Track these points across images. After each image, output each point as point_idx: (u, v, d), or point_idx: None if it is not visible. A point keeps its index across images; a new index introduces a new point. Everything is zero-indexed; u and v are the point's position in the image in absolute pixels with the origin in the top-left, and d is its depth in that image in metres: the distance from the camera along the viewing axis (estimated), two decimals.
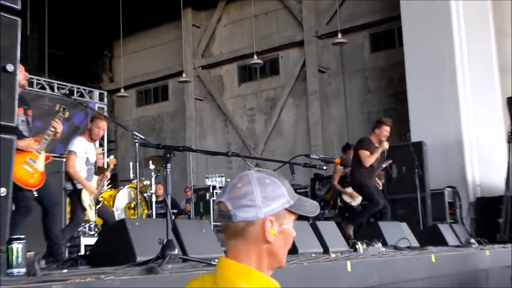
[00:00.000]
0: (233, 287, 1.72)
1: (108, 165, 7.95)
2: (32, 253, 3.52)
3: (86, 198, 6.94)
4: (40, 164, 5.92)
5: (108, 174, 7.82)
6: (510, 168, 10.86)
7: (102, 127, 7.30)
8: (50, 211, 6.09)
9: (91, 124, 7.33)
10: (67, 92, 16.04)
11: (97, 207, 7.18)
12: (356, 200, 10.04)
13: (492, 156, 12.64)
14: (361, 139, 9.30)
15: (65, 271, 3.58)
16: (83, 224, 9.05)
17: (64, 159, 7.10)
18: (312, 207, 1.86)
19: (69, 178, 7.01)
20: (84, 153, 7.09)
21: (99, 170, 7.73)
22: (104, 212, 7.30)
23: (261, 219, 1.75)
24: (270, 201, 1.76)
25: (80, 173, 7.00)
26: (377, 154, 8.89)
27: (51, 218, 6.12)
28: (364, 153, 8.83)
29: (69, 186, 7.04)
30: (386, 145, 8.92)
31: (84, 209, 6.97)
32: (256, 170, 1.86)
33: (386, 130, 9.00)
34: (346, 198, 10.22)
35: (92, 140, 7.29)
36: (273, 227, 1.77)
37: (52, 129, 6.08)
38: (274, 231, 1.77)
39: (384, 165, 10.16)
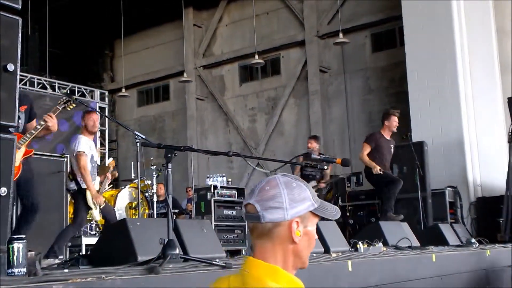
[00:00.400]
0: (262, 286, 1.81)
1: (108, 167, 7.95)
2: (33, 252, 3.53)
3: (91, 199, 6.95)
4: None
5: (109, 176, 7.82)
6: (510, 168, 10.86)
7: (95, 119, 7.34)
8: (25, 210, 6.03)
9: (83, 120, 7.34)
10: (68, 92, 16.07)
11: (101, 206, 7.18)
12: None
13: (493, 156, 12.64)
14: (370, 134, 9.58)
15: (66, 270, 3.58)
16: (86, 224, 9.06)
17: (73, 159, 7.06)
18: (334, 211, 1.99)
19: (74, 177, 7.00)
20: (89, 150, 7.12)
21: (100, 170, 7.73)
22: (107, 212, 7.30)
23: (288, 220, 1.86)
24: (296, 204, 1.87)
25: None
26: (367, 161, 9.22)
27: (24, 218, 6.06)
28: (367, 150, 8.99)
29: (73, 186, 7.04)
30: (375, 171, 9.09)
31: (88, 209, 6.96)
32: (282, 174, 1.96)
33: (395, 120, 9.14)
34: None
35: (91, 134, 7.32)
36: (299, 228, 1.87)
37: (42, 123, 6.03)
38: (300, 232, 1.88)
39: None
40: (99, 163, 7.54)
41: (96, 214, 7.06)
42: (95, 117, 7.35)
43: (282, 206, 1.85)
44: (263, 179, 1.96)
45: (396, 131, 9.21)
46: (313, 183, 10.26)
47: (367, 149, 9.13)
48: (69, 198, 8.37)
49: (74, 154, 7.05)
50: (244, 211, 1.96)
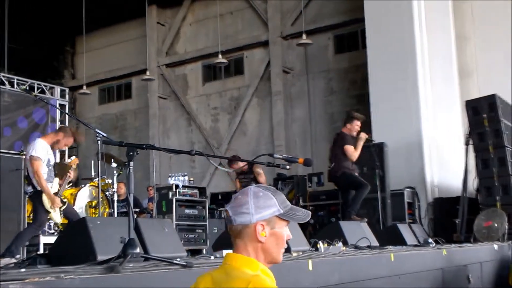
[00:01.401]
0: (241, 273, 2.17)
1: (69, 165, 7.83)
2: None
3: (47, 201, 6.85)
4: None
5: (71, 173, 7.71)
6: (467, 170, 11.09)
7: (69, 144, 7.27)
8: None
9: (62, 135, 7.19)
10: (28, 88, 15.80)
11: (63, 208, 7.09)
12: None
13: (450, 158, 12.88)
14: (341, 134, 9.33)
15: (23, 270, 3.53)
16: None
17: (28, 163, 6.93)
18: (303, 215, 2.36)
19: (30, 181, 6.90)
20: (46, 155, 6.99)
21: (60, 171, 7.62)
22: (69, 212, 7.21)
23: (253, 223, 2.24)
24: (261, 210, 2.25)
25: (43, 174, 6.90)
26: (360, 148, 9.10)
27: None
28: (351, 149, 8.99)
29: (29, 189, 6.93)
30: (364, 136, 9.08)
31: (47, 211, 6.87)
32: (256, 185, 2.35)
33: (357, 125, 9.13)
34: None
35: (52, 147, 7.18)
36: (264, 230, 2.25)
37: None
38: (265, 233, 2.25)
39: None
40: (55, 164, 7.41)
41: (56, 216, 6.97)
42: (69, 143, 7.28)
43: (249, 211, 2.25)
44: (241, 190, 2.36)
45: (355, 135, 9.21)
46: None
47: (352, 150, 9.04)
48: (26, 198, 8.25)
49: (28, 157, 6.93)
50: (225, 214, 2.40)
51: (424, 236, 8.96)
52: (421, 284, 6.77)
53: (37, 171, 6.79)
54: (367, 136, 9.13)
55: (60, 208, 7.02)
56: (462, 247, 8.43)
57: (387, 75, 13.10)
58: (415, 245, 8.11)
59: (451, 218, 10.93)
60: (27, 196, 7.32)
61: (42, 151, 6.93)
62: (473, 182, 11.20)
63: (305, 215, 2.36)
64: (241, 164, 10.74)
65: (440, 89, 13.18)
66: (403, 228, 8.72)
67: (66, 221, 7.56)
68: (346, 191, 9.50)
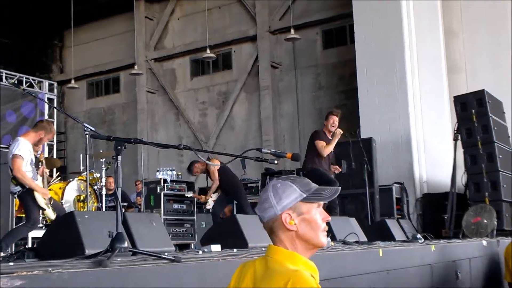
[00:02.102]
0: (282, 268, 2.19)
1: (40, 161, 7.73)
2: None
3: (40, 198, 6.78)
4: None
5: (46, 170, 7.63)
6: (455, 166, 11.12)
7: (52, 133, 7.23)
8: None
9: (43, 133, 7.11)
10: (16, 82, 15.71)
11: (51, 202, 7.05)
12: None
13: (438, 153, 12.92)
14: (315, 132, 9.36)
15: (11, 264, 3.51)
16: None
17: (10, 161, 6.86)
18: (330, 193, 2.32)
19: (17, 181, 6.81)
20: (29, 154, 6.92)
21: (48, 164, 7.57)
22: (55, 207, 7.16)
23: (279, 214, 2.26)
24: (282, 199, 2.26)
25: (27, 173, 6.82)
26: (333, 144, 8.99)
27: None
28: (321, 143, 8.91)
29: (17, 188, 6.84)
30: (338, 133, 8.97)
31: (40, 209, 6.80)
32: (276, 178, 2.36)
33: (333, 119, 9.07)
34: None
35: (35, 145, 7.12)
36: (292, 218, 2.26)
37: None
38: (294, 221, 2.26)
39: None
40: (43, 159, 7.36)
41: (50, 213, 6.91)
42: (51, 137, 7.24)
43: (271, 205, 2.27)
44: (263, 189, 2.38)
45: (332, 130, 9.14)
46: None
47: (323, 145, 9.00)
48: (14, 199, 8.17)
49: (11, 156, 6.85)
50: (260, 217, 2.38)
51: (412, 232, 8.99)
52: (409, 280, 6.79)
53: (19, 169, 6.71)
54: (341, 132, 9.03)
55: (50, 202, 6.97)
56: (450, 243, 8.45)
57: (375, 71, 13.12)
58: (404, 241, 8.13)
59: (439, 214, 10.97)
60: (15, 196, 7.21)
61: (25, 150, 6.86)
62: (461, 178, 11.24)
63: (332, 192, 2.34)
64: (198, 168, 10.83)
65: (428, 84, 13.21)
66: (392, 224, 8.75)
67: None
68: None
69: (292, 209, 2.26)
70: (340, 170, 9.50)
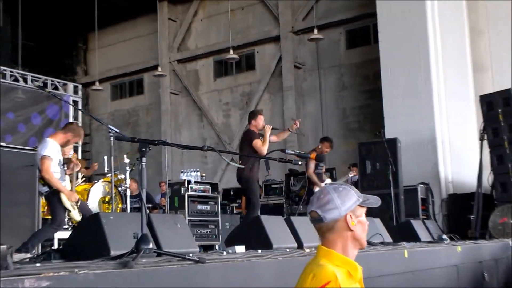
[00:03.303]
0: (316, 263, 2.42)
1: (72, 161, 7.78)
2: (4, 246, 3.48)
3: (66, 199, 6.84)
4: None
5: (77, 163, 7.67)
6: (482, 165, 11.00)
7: (80, 136, 7.27)
8: None
9: (71, 135, 7.16)
10: (41, 85, 15.88)
11: (78, 204, 7.10)
12: None
13: (464, 153, 12.79)
14: (247, 132, 8.94)
15: (38, 264, 3.54)
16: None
17: (39, 162, 6.92)
18: (375, 200, 2.58)
19: (45, 182, 6.88)
20: (57, 155, 6.98)
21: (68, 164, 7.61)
22: (82, 208, 7.21)
23: (343, 215, 2.46)
24: (346, 202, 2.47)
25: (54, 174, 6.89)
26: (267, 140, 8.62)
27: None
28: (259, 142, 8.53)
29: (45, 189, 6.91)
30: (268, 128, 8.70)
31: (66, 210, 6.86)
32: (330, 183, 2.70)
33: (261, 119, 8.85)
34: None
35: (61, 146, 7.17)
36: (353, 219, 2.48)
37: None
38: (354, 222, 2.48)
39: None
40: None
41: (75, 214, 6.97)
42: (78, 141, 7.28)
43: (336, 206, 2.46)
44: (317, 190, 2.65)
45: (261, 129, 8.89)
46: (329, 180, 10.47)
47: (261, 144, 8.52)
48: (41, 199, 8.25)
49: (39, 157, 6.92)
50: (310, 217, 2.57)
51: (438, 233, 8.92)
52: (435, 281, 6.74)
53: (47, 170, 6.78)
54: (271, 127, 8.80)
55: (77, 204, 7.02)
56: (477, 244, 8.36)
57: (399, 70, 13.02)
58: (429, 242, 8.06)
59: (465, 214, 10.87)
60: (42, 196, 7.29)
61: (53, 151, 6.93)
62: (488, 178, 11.11)
63: (377, 200, 2.58)
64: None
65: (453, 83, 13.08)
66: (417, 224, 8.68)
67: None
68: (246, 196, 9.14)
69: (352, 211, 2.48)
70: (297, 125, 9.18)
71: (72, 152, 7.75)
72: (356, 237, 2.49)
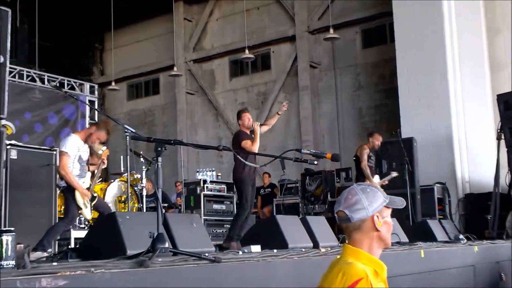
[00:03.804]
0: (344, 261, 2.45)
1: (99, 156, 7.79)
2: (22, 245, 3.51)
3: (80, 197, 6.88)
4: None
5: (105, 161, 7.68)
6: (499, 165, 10.92)
7: (103, 140, 7.24)
8: None
9: (94, 128, 7.18)
10: (58, 85, 15.99)
11: (93, 203, 7.13)
12: None
13: (481, 152, 12.70)
14: (236, 133, 8.79)
15: (55, 264, 3.57)
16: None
17: (58, 157, 6.98)
18: (400, 202, 2.64)
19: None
20: (76, 151, 6.99)
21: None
22: (100, 206, 7.23)
23: (370, 216, 2.52)
24: (373, 203, 2.53)
25: (73, 170, 6.92)
26: (257, 138, 8.35)
27: None
28: (248, 143, 8.30)
29: (62, 183, 6.95)
30: (256, 126, 8.45)
31: (78, 207, 6.90)
32: (357, 184, 2.63)
33: (247, 117, 8.56)
34: None
35: (85, 142, 7.18)
36: (380, 220, 2.53)
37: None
38: (381, 222, 2.53)
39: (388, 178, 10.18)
40: (88, 163, 7.42)
41: (87, 213, 6.99)
42: (101, 137, 7.25)
43: (364, 207, 2.51)
44: (344, 191, 2.62)
45: (250, 127, 8.49)
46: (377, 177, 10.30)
47: (250, 144, 8.25)
48: (58, 192, 8.30)
49: (58, 152, 6.97)
50: (337, 217, 2.60)
51: (455, 233, 8.88)
52: (452, 281, 6.70)
53: (63, 166, 6.81)
54: (259, 123, 8.56)
55: (91, 203, 7.05)
56: (494, 244, 8.31)
57: (416, 69, 12.96)
58: (446, 242, 8.03)
59: (482, 214, 10.78)
60: (59, 190, 7.34)
61: (72, 147, 6.94)
62: (505, 178, 11.01)
63: (402, 202, 2.65)
64: None
65: (470, 82, 13.00)
66: (433, 224, 8.64)
67: (97, 215, 7.59)
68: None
69: (379, 212, 2.54)
70: (285, 107, 9.05)
71: (104, 148, 7.74)
72: (382, 237, 2.55)
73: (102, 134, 7.22)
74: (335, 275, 2.38)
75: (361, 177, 10.22)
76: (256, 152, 8.25)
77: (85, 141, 7.17)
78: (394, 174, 10.50)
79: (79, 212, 6.99)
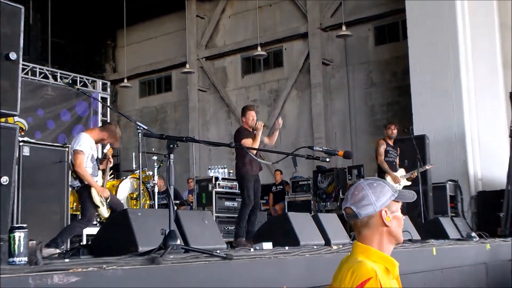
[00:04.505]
0: (354, 260, 2.42)
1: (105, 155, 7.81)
2: (34, 242, 3.53)
3: (97, 195, 6.86)
4: None
5: (111, 159, 7.70)
6: (511, 163, 10.86)
7: (111, 142, 7.24)
8: None
9: (107, 135, 7.10)
10: (70, 82, 16.05)
11: (107, 200, 7.13)
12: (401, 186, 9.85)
13: (494, 150, 12.64)
14: (237, 130, 8.73)
15: (67, 260, 3.58)
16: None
17: (72, 156, 6.96)
18: (411, 195, 2.59)
19: (77, 176, 6.90)
20: (90, 150, 6.98)
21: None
22: (114, 203, 7.21)
23: (378, 211, 2.47)
24: (381, 198, 2.48)
25: (87, 168, 6.91)
26: (258, 138, 8.24)
27: None
28: (248, 142, 8.17)
29: (76, 183, 6.91)
30: (260, 126, 8.30)
31: (95, 206, 6.88)
32: (365, 179, 2.58)
33: (252, 115, 8.46)
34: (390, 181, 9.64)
35: (96, 141, 7.17)
36: (388, 215, 2.48)
37: None
38: (390, 217, 2.48)
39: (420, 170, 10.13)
40: (98, 161, 7.42)
41: (104, 211, 6.96)
42: (112, 143, 7.26)
43: (371, 202, 2.47)
44: (351, 186, 2.59)
45: (253, 125, 8.36)
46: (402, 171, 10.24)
47: (250, 143, 8.17)
48: (70, 190, 8.32)
49: (72, 151, 6.94)
50: (344, 213, 2.57)
51: (467, 230, 8.83)
52: (464, 279, 6.67)
53: (80, 165, 6.79)
54: (262, 124, 8.41)
55: (107, 200, 7.05)
56: (506, 242, 8.27)
57: (428, 66, 12.90)
58: (458, 239, 8.00)
59: (495, 212, 10.73)
60: (73, 190, 7.30)
61: (86, 146, 6.93)
62: None
63: (413, 194, 2.59)
64: None
65: (483, 80, 12.93)
66: (446, 222, 8.61)
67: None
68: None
69: (387, 207, 2.49)
70: (279, 123, 8.72)
71: (108, 147, 7.75)
72: (392, 233, 2.50)
73: (113, 141, 7.20)
74: (345, 274, 2.35)
75: (381, 172, 10.19)
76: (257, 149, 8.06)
77: (97, 143, 7.18)
78: (428, 166, 10.44)
79: (97, 210, 6.97)
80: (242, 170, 8.30)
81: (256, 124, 8.36)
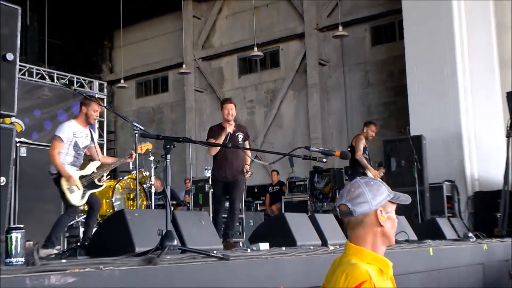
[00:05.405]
0: (348, 262, 2.38)
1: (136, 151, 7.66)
2: (31, 242, 3.53)
3: (65, 182, 6.69)
4: None
5: (132, 156, 7.59)
6: (508, 163, 10.87)
7: (98, 110, 7.09)
8: None
9: (86, 108, 6.97)
10: (67, 82, 16.00)
11: (95, 190, 7.03)
12: None
13: (491, 150, 12.65)
14: (210, 127, 8.40)
15: (63, 261, 3.58)
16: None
17: None
18: (406, 198, 2.57)
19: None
20: (72, 136, 6.85)
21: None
22: (92, 197, 7.05)
23: (373, 210, 2.44)
24: (377, 196, 2.45)
25: (66, 156, 6.78)
26: (221, 141, 7.73)
27: None
28: (210, 141, 7.87)
29: (54, 171, 6.79)
30: (229, 128, 7.88)
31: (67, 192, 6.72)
32: (361, 177, 2.55)
33: (227, 108, 7.98)
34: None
35: (87, 124, 7.06)
36: (383, 215, 2.45)
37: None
38: (384, 217, 2.45)
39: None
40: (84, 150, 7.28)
41: (71, 198, 6.75)
42: (99, 109, 7.12)
43: (367, 200, 2.44)
44: (347, 184, 2.57)
45: (230, 119, 7.96)
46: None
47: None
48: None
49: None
50: (339, 211, 2.53)
51: (464, 231, 8.85)
52: (461, 279, 6.68)
53: (53, 148, 6.69)
54: (233, 127, 7.93)
55: (89, 190, 6.91)
56: (503, 242, 8.28)
57: (425, 66, 12.91)
58: (455, 240, 8.01)
59: (492, 212, 10.73)
60: (52, 178, 7.09)
61: (68, 132, 6.81)
62: None
63: (407, 197, 2.58)
64: None
65: (480, 80, 12.94)
66: (442, 222, 8.62)
67: (86, 207, 7.40)
68: None
69: (382, 206, 2.45)
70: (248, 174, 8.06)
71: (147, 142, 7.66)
72: (386, 234, 2.47)
73: (95, 106, 7.06)
74: (339, 277, 2.32)
75: (355, 168, 10.11)
76: (213, 154, 7.89)
77: (86, 123, 7.05)
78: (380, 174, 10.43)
79: (64, 197, 6.79)
80: (212, 173, 8.10)
81: (229, 119, 7.89)
